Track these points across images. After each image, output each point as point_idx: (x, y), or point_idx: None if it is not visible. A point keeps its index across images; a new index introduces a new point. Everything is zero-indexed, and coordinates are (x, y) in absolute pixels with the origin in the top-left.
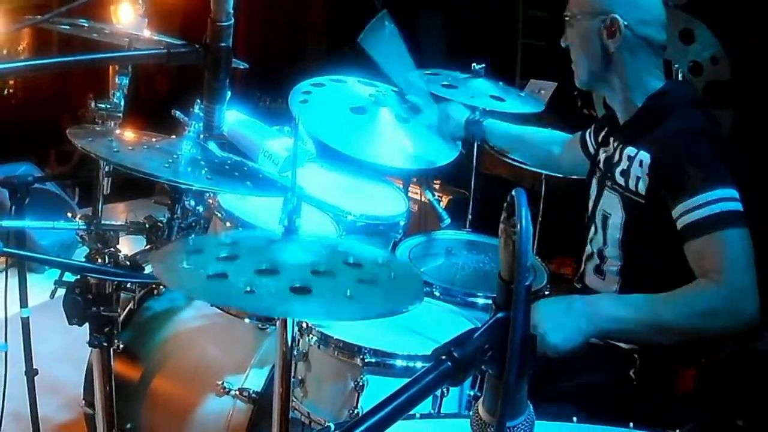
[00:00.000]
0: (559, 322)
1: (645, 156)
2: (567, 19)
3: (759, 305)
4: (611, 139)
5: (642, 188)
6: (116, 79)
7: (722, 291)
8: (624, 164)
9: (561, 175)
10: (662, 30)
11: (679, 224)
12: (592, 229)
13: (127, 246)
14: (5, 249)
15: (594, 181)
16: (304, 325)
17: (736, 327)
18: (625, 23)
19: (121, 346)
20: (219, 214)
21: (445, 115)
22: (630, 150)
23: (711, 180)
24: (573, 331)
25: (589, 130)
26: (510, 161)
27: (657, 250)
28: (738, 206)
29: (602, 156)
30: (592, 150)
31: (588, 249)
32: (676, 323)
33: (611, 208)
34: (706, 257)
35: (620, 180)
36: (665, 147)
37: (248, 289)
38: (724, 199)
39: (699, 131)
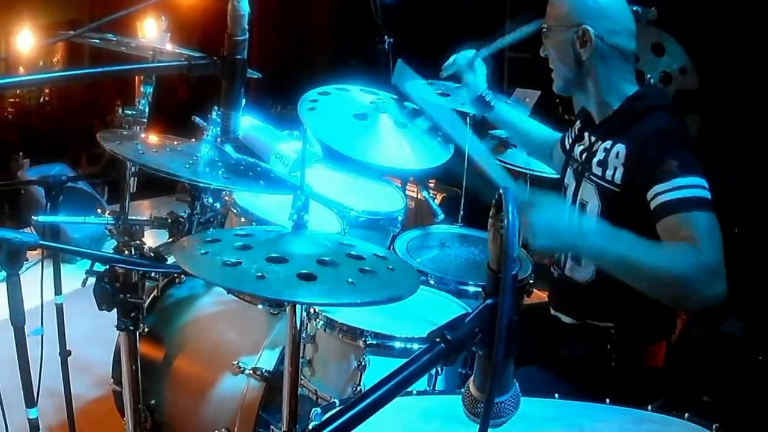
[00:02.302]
0: (549, 231)
1: (621, 148)
2: (544, 30)
3: (726, 288)
4: (586, 134)
5: (618, 178)
6: (141, 88)
7: (701, 258)
8: (600, 156)
9: (547, 174)
10: (631, 39)
11: (653, 204)
12: None
13: (152, 239)
14: (41, 242)
15: (569, 173)
16: (312, 310)
17: (703, 299)
18: (596, 33)
19: (146, 329)
20: (234, 210)
21: (470, 64)
22: (606, 143)
23: (685, 168)
24: (556, 243)
25: (567, 134)
26: (498, 162)
27: None
28: (708, 194)
29: (577, 150)
30: (568, 147)
31: None
32: (653, 271)
33: (588, 197)
34: (682, 230)
35: (597, 171)
36: (643, 142)
37: (259, 274)
38: (697, 186)
39: (674, 130)
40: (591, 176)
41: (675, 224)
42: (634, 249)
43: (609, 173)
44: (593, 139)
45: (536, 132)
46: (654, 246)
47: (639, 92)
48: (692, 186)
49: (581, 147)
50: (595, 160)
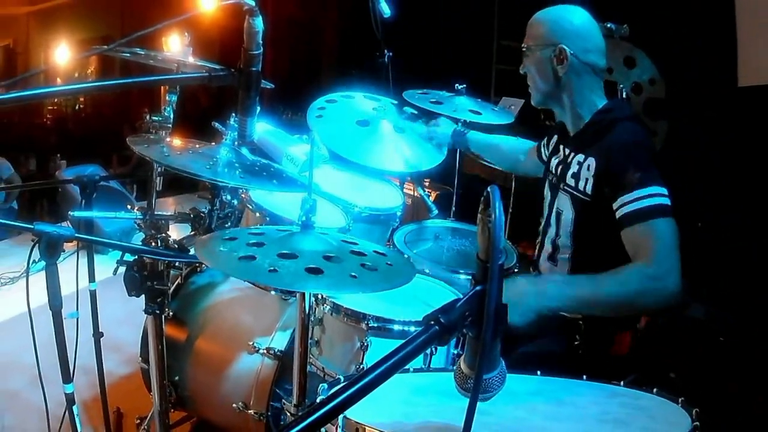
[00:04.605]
0: (514, 304)
1: (592, 161)
2: (524, 50)
3: (680, 285)
4: (561, 147)
5: (589, 189)
6: (167, 97)
7: (649, 272)
8: (574, 168)
9: (522, 174)
10: (602, 56)
11: (618, 214)
12: (546, 224)
13: (176, 232)
14: (77, 234)
15: (547, 185)
16: (320, 296)
17: (661, 303)
18: (571, 52)
19: (171, 313)
20: (250, 207)
21: (435, 126)
22: (579, 157)
23: (645, 179)
24: (527, 310)
25: (542, 141)
26: (485, 164)
27: (601, 241)
28: (667, 201)
29: (554, 162)
30: (544, 157)
31: (541, 240)
32: (610, 299)
33: (563, 206)
34: (639, 242)
35: (571, 182)
36: (610, 154)
37: (272, 268)
38: (656, 195)
39: (637, 142)
40: (566, 187)
41: (634, 236)
42: (590, 289)
43: (581, 184)
44: (567, 151)
45: (504, 143)
46: (605, 278)
47: (606, 106)
48: (651, 195)
49: (557, 160)
50: (569, 172)
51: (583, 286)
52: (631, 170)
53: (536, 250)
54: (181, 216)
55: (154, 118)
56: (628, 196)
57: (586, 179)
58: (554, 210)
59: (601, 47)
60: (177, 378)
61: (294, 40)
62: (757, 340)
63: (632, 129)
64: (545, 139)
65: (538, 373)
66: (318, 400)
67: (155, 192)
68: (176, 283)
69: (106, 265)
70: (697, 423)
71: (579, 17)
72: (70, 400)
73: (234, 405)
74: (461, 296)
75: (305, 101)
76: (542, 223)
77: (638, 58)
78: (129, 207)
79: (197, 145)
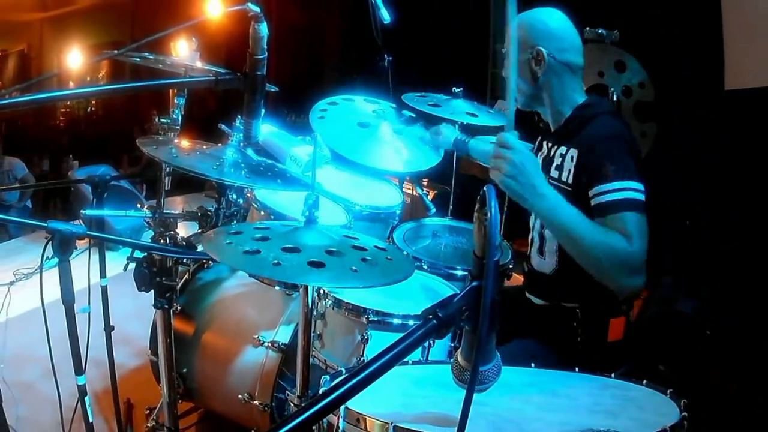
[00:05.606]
0: (520, 178)
1: (574, 152)
2: (504, 53)
3: (642, 285)
4: (545, 143)
5: (570, 178)
6: (175, 100)
7: (629, 250)
8: (558, 161)
9: None
10: (579, 54)
11: (593, 202)
12: (533, 217)
13: (184, 230)
14: (88, 232)
15: None
16: (322, 291)
17: (620, 286)
18: (548, 53)
19: (179, 308)
20: (255, 205)
21: (437, 131)
22: (562, 149)
23: (621, 172)
24: (520, 197)
25: (532, 148)
26: (482, 164)
27: None
28: (640, 197)
29: (540, 157)
30: None
31: (531, 234)
32: (585, 241)
33: None
34: (615, 229)
35: (555, 174)
36: (589, 146)
37: (275, 262)
38: (630, 189)
39: (616, 135)
40: (549, 180)
41: (608, 225)
42: (579, 222)
43: (564, 175)
44: (550, 145)
45: None
46: (597, 225)
47: (587, 101)
48: (626, 189)
49: (541, 156)
50: (553, 165)
51: (575, 217)
52: (608, 162)
53: (528, 246)
54: (189, 214)
55: (163, 120)
56: (603, 186)
57: (569, 170)
58: None
59: (578, 46)
60: (185, 370)
61: (297, 45)
62: (757, 340)
63: (611, 122)
64: (535, 144)
65: (533, 365)
66: (320, 392)
67: (164, 191)
68: (184, 278)
69: (117, 262)
70: (685, 413)
71: (554, 18)
72: (82, 391)
73: (239, 396)
74: (458, 292)
75: (308, 104)
76: (531, 218)
77: (628, 62)
78: (139, 206)
79: (204, 146)
